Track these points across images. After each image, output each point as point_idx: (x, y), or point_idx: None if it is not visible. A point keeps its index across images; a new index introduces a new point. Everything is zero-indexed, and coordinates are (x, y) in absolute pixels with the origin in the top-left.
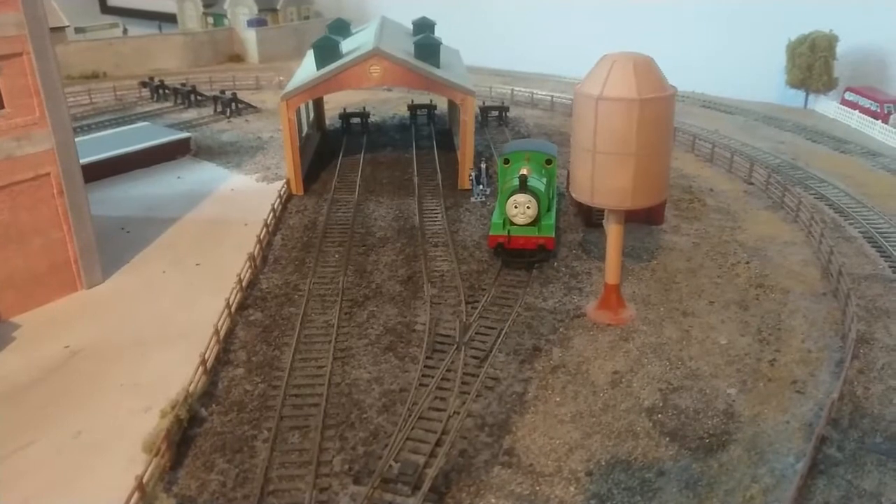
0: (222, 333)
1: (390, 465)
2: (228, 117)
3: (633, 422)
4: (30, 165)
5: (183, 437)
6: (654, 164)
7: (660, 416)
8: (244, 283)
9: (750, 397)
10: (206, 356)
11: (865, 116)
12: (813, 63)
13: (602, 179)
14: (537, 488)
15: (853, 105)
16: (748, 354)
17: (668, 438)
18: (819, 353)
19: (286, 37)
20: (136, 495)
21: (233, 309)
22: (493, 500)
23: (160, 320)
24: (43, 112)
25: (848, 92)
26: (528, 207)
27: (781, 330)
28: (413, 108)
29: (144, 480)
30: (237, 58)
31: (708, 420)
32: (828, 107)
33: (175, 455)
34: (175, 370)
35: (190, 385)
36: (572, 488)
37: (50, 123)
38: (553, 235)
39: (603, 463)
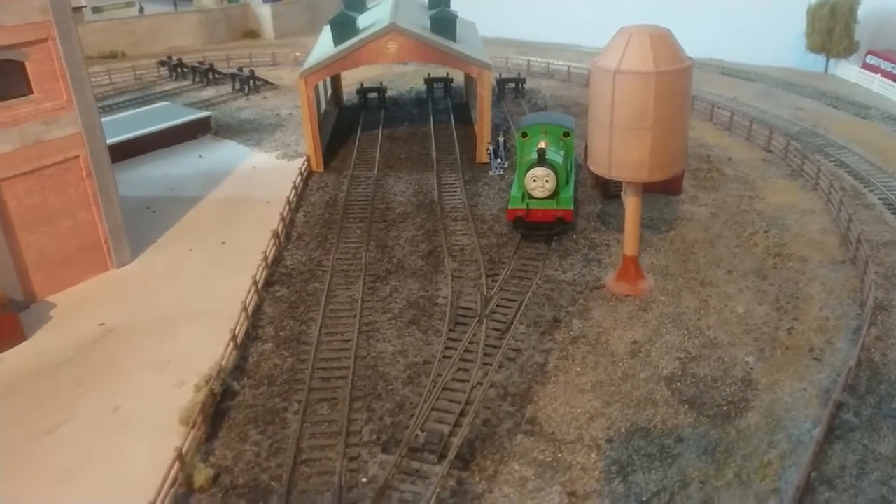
0: (250, 309)
1: (417, 435)
2: (247, 95)
3: (652, 390)
4: (58, 149)
5: (217, 410)
6: (671, 136)
7: (678, 384)
8: (269, 260)
9: (767, 365)
10: (236, 332)
11: (887, 80)
12: (833, 27)
13: (619, 152)
14: (559, 455)
15: (874, 69)
16: (766, 323)
17: (686, 406)
18: (837, 320)
19: (300, 12)
20: (176, 465)
21: (259, 286)
22: (516, 467)
23: (189, 298)
24: (70, 96)
25: (869, 55)
26: (546, 181)
27: (799, 298)
28: (430, 81)
29: (183, 451)
30: (252, 34)
31: (726, 388)
32: (849, 71)
33: (210, 427)
34: (205, 346)
35: (222, 360)
36: (593, 455)
37: (77, 107)
38: (572, 208)
39: (623, 430)
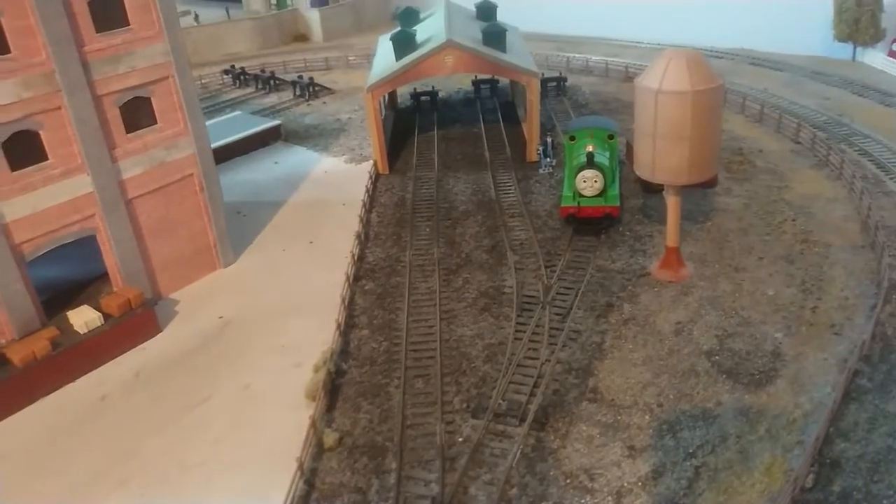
0: (346, 301)
1: (499, 403)
2: (308, 100)
3: (694, 363)
4: (177, 169)
5: (333, 386)
6: (706, 144)
7: (717, 357)
8: (355, 258)
9: (794, 340)
10: (339, 321)
11: None
12: (860, 17)
13: (661, 159)
14: (618, 418)
15: None
16: (793, 303)
17: (724, 376)
18: (856, 300)
19: (346, 14)
20: (311, 431)
21: (350, 280)
22: (584, 428)
23: (289, 292)
24: (186, 124)
25: (895, 43)
26: (595, 181)
27: (823, 280)
28: (477, 83)
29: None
30: (302, 37)
31: (758, 360)
32: (875, 58)
33: (329, 400)
34: (311, 333)
35: (333, 344)
36: (647, 417)
37: (191, 132)
38: (618, 204)
39: (671, 397)
